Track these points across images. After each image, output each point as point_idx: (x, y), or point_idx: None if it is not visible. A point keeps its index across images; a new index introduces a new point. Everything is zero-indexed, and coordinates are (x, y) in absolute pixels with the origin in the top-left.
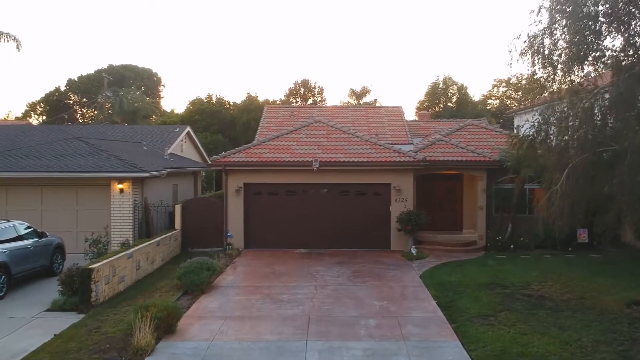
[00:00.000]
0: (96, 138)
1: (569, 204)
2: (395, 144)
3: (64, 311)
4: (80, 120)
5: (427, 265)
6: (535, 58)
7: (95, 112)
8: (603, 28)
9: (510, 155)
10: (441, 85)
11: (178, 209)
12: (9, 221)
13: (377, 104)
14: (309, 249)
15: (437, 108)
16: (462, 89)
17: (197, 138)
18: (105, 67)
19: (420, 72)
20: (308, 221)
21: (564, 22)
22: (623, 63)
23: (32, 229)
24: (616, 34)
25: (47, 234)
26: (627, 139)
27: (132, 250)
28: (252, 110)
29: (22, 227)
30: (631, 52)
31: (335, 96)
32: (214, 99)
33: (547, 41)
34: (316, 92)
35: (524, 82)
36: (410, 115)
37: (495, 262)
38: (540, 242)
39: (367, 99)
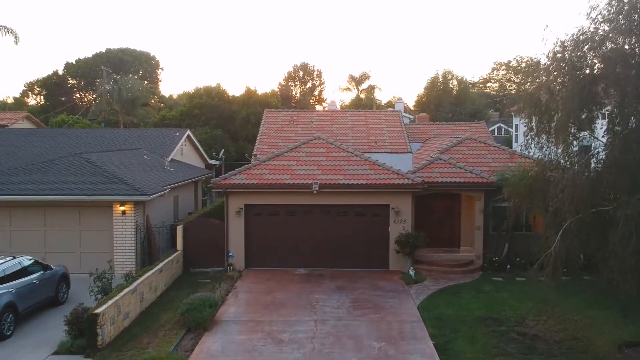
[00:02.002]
0: (97, 151)
1: (562, 263)
2: (394, 152)
3: (71, 354)
4: (79, 104)
5: (425, 292)
6: (533, 113)
7: (95, 96)
8: (599, 88)
9: (506, 181)
10: (440, 80)
11: (180, 230)
12: (14, 257)
13: (376, 91)
14: (309, 269)
15: (436, 102)
16: (462, 83)
17: (196, 138)
18: (104, 50)
19: (420, 60)
20: (308, 241)
21: (561, 80)
22: (617, 123)
23: (37, 263)
24: (613, 92)
25: (52, 266)
26: (621, 203)
27: (135, 284)
28: (251, 104)
29: (27, 262)
30: (626, 111)
31: (334, 81)
32: (213, 92)
33: (544, 96)
34: (315, 76)
35: (523, 65)
36: (410, 102)
37: (491, 288)
38: (536, 261)
39: (365, 85)
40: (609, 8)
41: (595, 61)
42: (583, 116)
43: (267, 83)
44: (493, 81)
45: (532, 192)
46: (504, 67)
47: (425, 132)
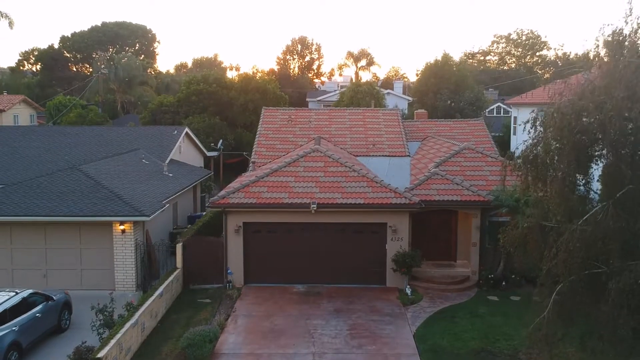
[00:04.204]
0: (95, 160)
1: (555, 328)
2: (392, 155)
3: None
4: (79, 72)
5: (422, 316)
6: (529, 170)
7: (91, 71)
8: (595, 150)
9: (502, 200)
10: (440, 64)
11: (179, 248)
12: (17, 293)
13: (374, 67)
14: (307, 286)
15: (435, 89)
16: (460, 70)
17: (193, 127)
18: (99, 24)
19: (419, 33)
20: (306, 258)
21: (559, 140)
22: (611, 186)
23: (39, 294)
24: (609, 155)
25: (54, 297)
26: (613, 269)
27: (137, 316)
28: (249, 91)
29: (29, 296)
30: (621, 175)
31: (333, 60)
32: (211, 78)
33: (539, 149)
34: (314, 50)
35: (524, 37)
36: (411, 76)
37: (486, 310)
38: (531, 277)
39: (363, 62)
40: (610, 66)
41: (595, 125)
42: (580, 177)
43: (264, 57)
44: (493, 54)
45: (527, 242)
46: (504, 39)
47: (424, 130)
